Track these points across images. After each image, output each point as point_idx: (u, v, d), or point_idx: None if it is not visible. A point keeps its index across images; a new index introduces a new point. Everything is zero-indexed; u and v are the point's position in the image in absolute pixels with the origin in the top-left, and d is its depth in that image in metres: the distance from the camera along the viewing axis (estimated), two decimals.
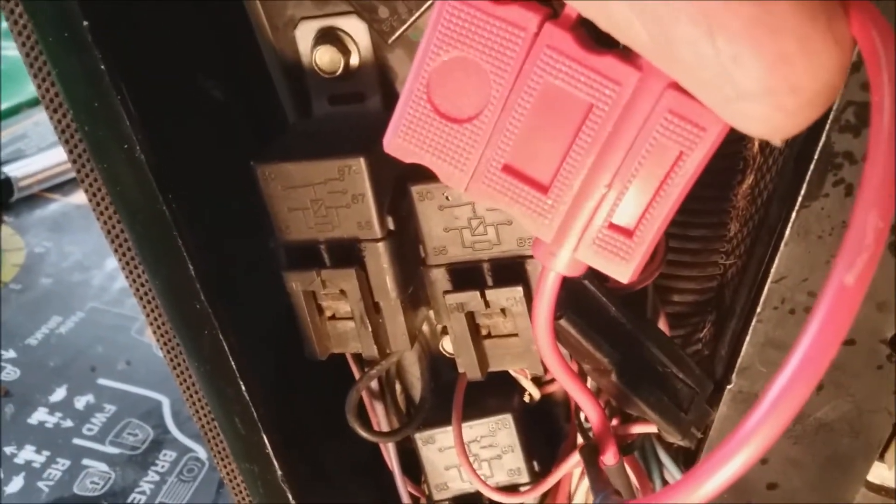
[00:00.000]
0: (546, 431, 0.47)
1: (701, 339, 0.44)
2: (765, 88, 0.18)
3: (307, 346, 0.40)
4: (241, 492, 0.42)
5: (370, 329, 0.38)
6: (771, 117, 0.18)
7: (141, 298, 0.39)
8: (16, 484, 0.64)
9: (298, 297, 0.38)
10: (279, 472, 0.40)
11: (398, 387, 0.46)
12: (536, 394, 0.44)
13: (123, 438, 0.70)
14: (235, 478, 0.42)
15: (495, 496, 0.43)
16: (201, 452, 0.69)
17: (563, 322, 0.32)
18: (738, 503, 0.38)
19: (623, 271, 0.23)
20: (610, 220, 0.23)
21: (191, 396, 0.41)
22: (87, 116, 0.32)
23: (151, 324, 0.39)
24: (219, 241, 0.38)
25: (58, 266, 0.94)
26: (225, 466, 0.41)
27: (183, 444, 0.70)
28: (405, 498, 0.47)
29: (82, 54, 0.30)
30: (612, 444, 0.36)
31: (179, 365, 0.40)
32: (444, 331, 0.45)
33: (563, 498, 0.43)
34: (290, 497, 0.40)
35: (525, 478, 0.44)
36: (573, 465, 0.42)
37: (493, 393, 0.45)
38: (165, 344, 0.40)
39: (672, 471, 0.42)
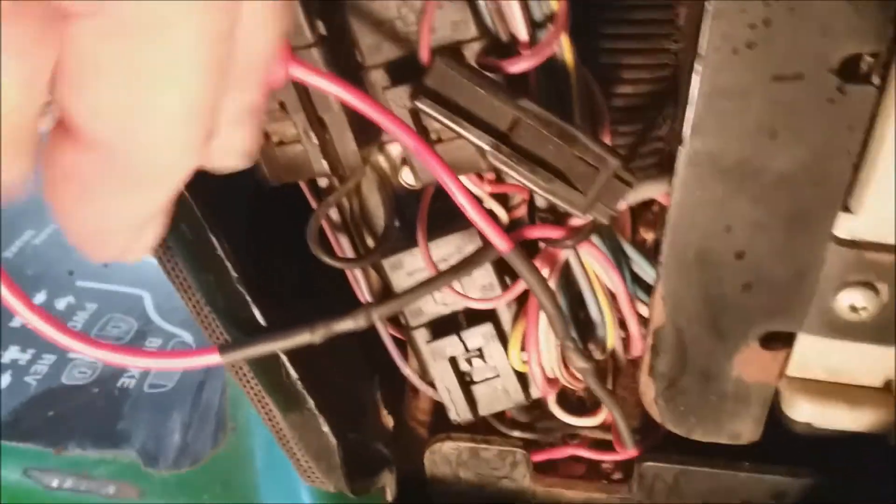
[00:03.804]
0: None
1: (661, 137, 0.43)
2: None
3: (258, 171, 0.39)
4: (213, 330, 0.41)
5: (317, 142, 0.37)
6: None
7: None
8: (3, 382, 0.64)
9: None
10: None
11: (361, 220, 0.45)
12: (504, 216, 0.44)
13: (107, 331, 0.70)
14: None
15: (473, 303, 0.43)
16: (186, 336, 0.69)
17: (420, 104, 0.31)
18: (711, 280, 0.37)
19: None
20: None
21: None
22: None
23: None
24: None
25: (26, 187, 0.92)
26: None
27: (168, 330, 0.70)
28: (382, 330, 0.47)
29: None
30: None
31: None
32: (404, 162, 0.44)
33: (534, 305, 0.43)
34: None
35: (498, 292, 0.44)
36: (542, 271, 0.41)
37: (458, 214, 0.44)
38: None
39: (640, 263, 0.42)
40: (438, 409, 0.56)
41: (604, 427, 0.52)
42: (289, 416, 0.40)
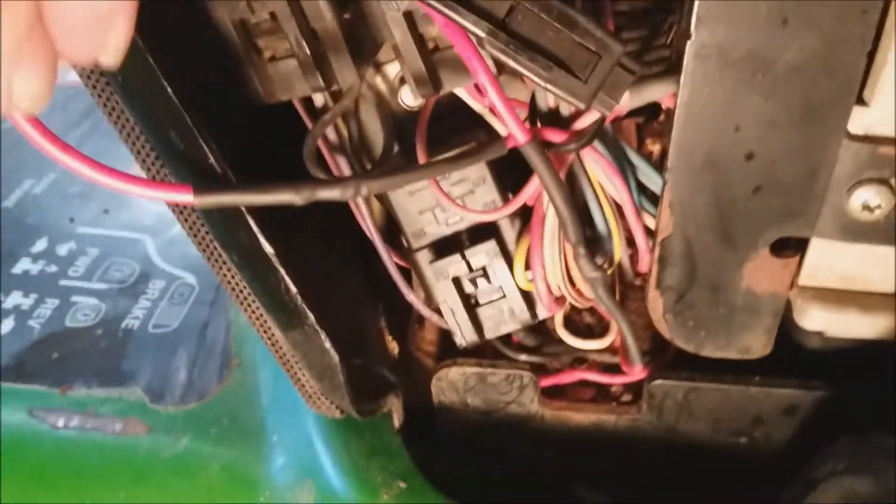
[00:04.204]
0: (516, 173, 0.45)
1: (666, 44, 0.41)
2: None
3: (250, 89, 0.38)
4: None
5: (310, 55, 0.36)
6: None
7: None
8: (5, 326, 0.63)
9: (230, 32, 0.36)
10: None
11: (359, 143, 0.44)
12: (502, 129, 0.42)
13: (110, 275, 0.69)
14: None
15: (474, 216, 0.42)
16: (189, 278, 0.68)
17: None
18: (720, 184, 0.36)
19: None
20: None
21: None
22: None
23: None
24: None
25: (22, 139, 0.91)
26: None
27: (171, 272, 0.69)
28: (382, 251, 0.46)
29: None
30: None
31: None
32: (402, 81, 0.43)
33: (539, 219, 0.42)
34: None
35: None
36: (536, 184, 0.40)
37: (456, 131, 0.43)
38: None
39: (646, 171, 0.41)
40: (444, 338, 0.55)
41: (612, 350, 0.52)
42: (290, 335, 0.39)
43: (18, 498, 0.54)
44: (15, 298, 0.66)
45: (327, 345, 0.39)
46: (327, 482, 0.49)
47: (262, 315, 0.40)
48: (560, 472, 0.53)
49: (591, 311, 0.54)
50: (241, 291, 0.39)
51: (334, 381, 0.41)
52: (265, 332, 0.42)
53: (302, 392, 0.46)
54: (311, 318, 0.38)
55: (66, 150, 0.30)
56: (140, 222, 0.76)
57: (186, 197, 0.34)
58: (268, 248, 0.36)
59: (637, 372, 0.45)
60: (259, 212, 0.36)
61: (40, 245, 0.73)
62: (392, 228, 0.47)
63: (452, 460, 0.54)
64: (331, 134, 0.44)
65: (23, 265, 0.70)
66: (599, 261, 0.41)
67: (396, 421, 0.51)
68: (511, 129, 0.34)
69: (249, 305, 0.40)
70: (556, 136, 0.36)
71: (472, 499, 0.51)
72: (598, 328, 0.54)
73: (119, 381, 0.58)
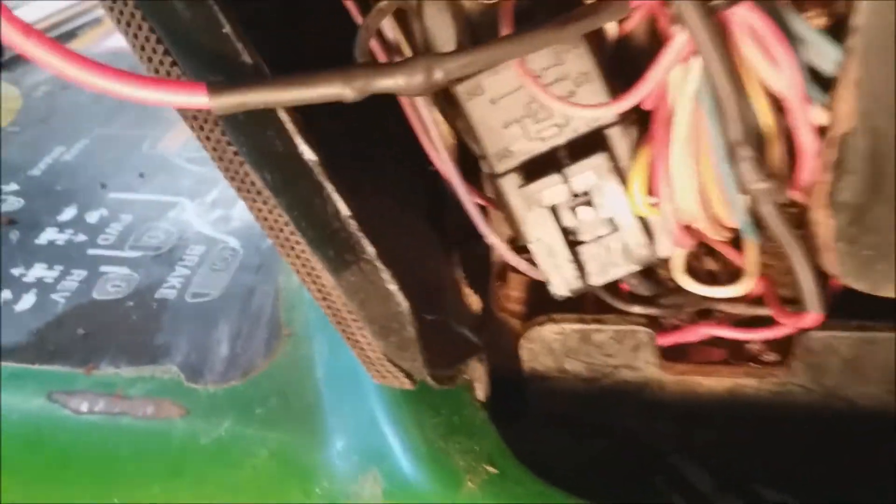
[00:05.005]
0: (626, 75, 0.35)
1: None
2: None
3: None
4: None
5: None
6: None
7: None
8: (27, 301, 0.55)
9: None
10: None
11: (423, 44, 0.35)
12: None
13: (144, 242, 0.61)
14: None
15: (584, 112, 0.32)
16: (233, 241, 0.60)
17: None
18: None
19: None
20: None
21: None
22: None
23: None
24: None
25: (56, 108, 0.85)
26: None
27: (211, 237, 0.61)
28: (455, 180, 0.36)
29: None
30: None
31: None
32: None
33: (663, 122, 0.32)
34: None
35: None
36: (670, 63, 0.30)
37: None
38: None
39: (817, 43, 0.30)
40: (533, 295, 0.45)
41: (745, 301, 0.41)
42: (343, 277, 0.30)
43: (35, 495, 0.46)
44: (38, 271, 0.59)
45: (392, 286, 0.29)
46: (397, 469, 0.40)
47: (306, 256, 0.31)
48: (684, 452, 0.43)
49: (714, 254, 0.43)
50: (279, 224, 0.30)
51: (402, 336, 0.32)
52: (313, 280, 0.32)
53: (363, 358, 0.36)
54: (368, 250, 0.28)
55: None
56: (177, 185, 0.67)
57: (199, 99, 0.25)
58: (309, 155, 0.27)
59: (811, 321, 0.34)
60: (298, 113, 0.27)
61: (68, 213, 0.65)
62: (466, 162, 0.38)
63: (547, 440, 0.44)
64: (388, 31, 0.35)
65: (48, 235, 0.63)
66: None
67: (480, 392, 0.41)
68: None
69: (291, 243, 0.30)
70: None
71: (572, 486, 0.41)
72: (723, 277, 0.43)
73: (151, 357, 0.50)
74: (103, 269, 0.58)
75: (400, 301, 0.30)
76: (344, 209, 0.27)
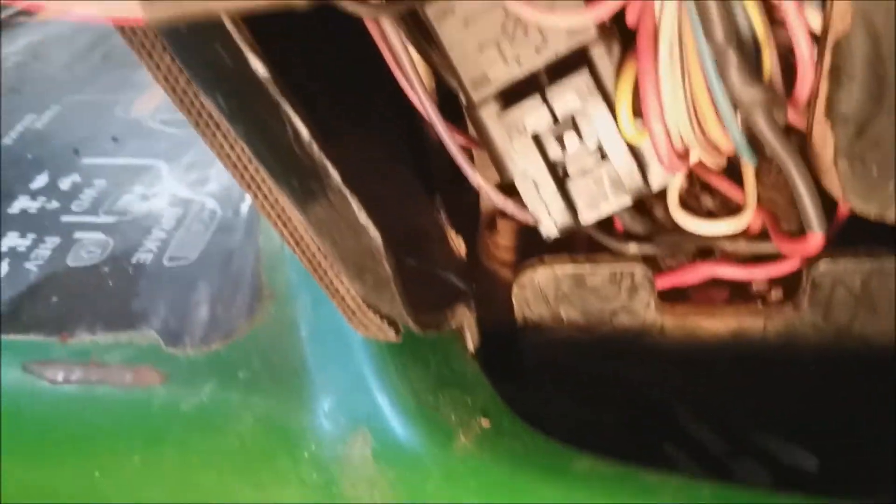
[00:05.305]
0: None
1: None
2: None
3: None
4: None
5: None
6: None
7: None
8: None
9: None
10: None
11: None
12: None
13: (119, 207, 0.59)
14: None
15: (554, 19, 0.30)
16: (210, 202, 0.58)
17: None
18: None
19: None
20: None
21: None
22: None
23: None
24: None
25: (27, 77, 0.82)
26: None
27: (188, 198, 0.58)
28: (433, 117, 0.34)
29: None
30: None
31: None
32: None
33: (649, 34, 0.29)
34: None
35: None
36: None
37: None
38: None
39: None
40: (523, 242, 0.43)
41: (746, 236, 0.39)
42: (311, 211, 0.27)
43: (12, 469, 0.44)
44: (10, 240, 0.56)
45: (362, 218, 0.27)
46: (386, 427, 0.38)
47: (274, 195, 0.28)
48: (687, 401, 0.41)
49: (711, 192, 0.41)
50: (242, 161, 0.28)
51: (378, 275, 0.29)
52: (284, 224, 0.30)
53: (343, 308, 0.34)
54: (333, 176, 0.26)
55: None
56: (152, 147, 0.65)
57: (131, 6, 0.23)
58: (261, 71, 0.24)
59: (814, 244, 0.31)
60: (248, 27, 0.24)
61: (40, 181, 0.63)
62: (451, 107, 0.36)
63: (542, 392, 0.42)
64: None
65: (21, 203, 0.60)
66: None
67: (470, 342, 0.39)
68: None
69: (257, 182, 0.28)
70: None
71: (569, 441, 0.39)
72: (722, 215, 0.41)
73: (129, 323, 0.48)
74: (77, 235, 0.56)
75: (373, 235, 0.28)
76: (304, 132, 0.25)
